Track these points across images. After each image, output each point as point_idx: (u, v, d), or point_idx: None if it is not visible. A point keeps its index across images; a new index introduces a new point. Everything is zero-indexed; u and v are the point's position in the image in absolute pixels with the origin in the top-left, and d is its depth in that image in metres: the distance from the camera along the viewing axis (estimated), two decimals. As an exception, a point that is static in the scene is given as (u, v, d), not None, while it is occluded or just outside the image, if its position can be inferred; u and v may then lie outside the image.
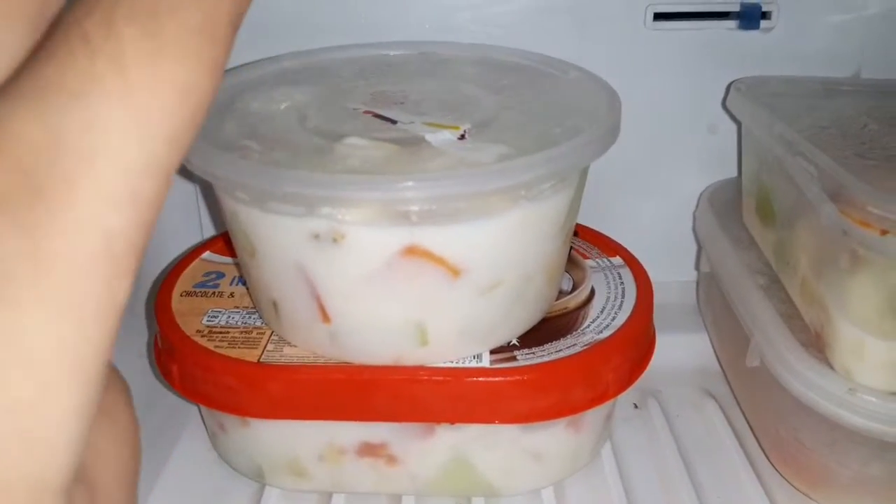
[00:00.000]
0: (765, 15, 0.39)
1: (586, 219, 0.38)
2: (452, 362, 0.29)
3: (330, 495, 0.32)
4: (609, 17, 0.39)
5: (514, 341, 0.30)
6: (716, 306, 0.39)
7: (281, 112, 0.30)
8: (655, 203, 0.43)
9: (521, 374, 0.28)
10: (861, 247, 0.26)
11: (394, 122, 0.29)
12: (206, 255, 0.37)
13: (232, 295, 0.34)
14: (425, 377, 0.28)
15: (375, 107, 0.31)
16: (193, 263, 0.36)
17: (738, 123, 0.39)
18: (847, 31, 0.39)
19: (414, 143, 0.27)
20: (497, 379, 0.28)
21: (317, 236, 0.25)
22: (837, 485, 0.30)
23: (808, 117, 0.33)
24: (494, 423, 0.29)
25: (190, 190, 0.42)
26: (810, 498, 0.32)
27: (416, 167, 0.26)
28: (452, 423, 0.29)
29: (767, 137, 0.33)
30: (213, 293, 0.34)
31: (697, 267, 0.43)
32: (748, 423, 0.36)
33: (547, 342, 0.30)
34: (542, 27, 0.39)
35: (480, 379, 0.28)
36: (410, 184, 0.24)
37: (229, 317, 0.32)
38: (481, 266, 0.27)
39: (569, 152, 0.26)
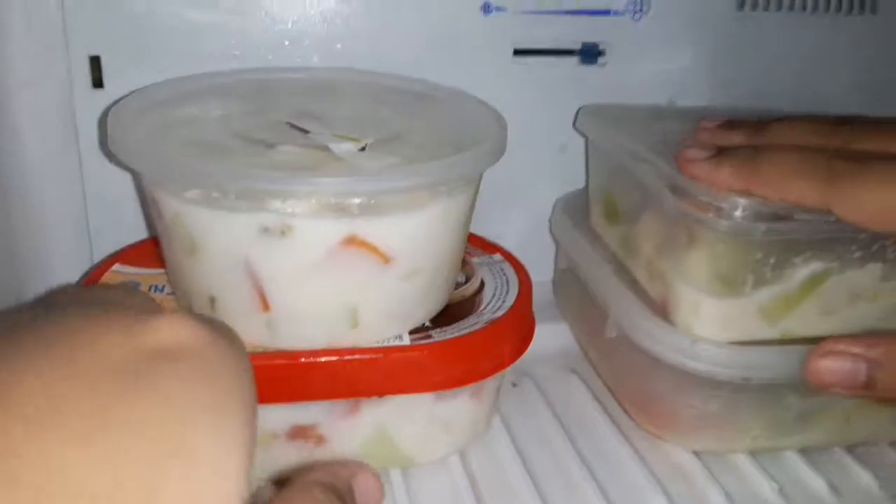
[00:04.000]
0: (601, 52, 0.47)
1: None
2: (378, 342, 0.33)
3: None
4: (477, 51, 0.46)
5: (427, 323, 0.35)
6: (573, 296, 0.47)
7: (211, 119, 0.33)
8: (517, 213, 0.50)
9: (436, 349, 0.33)
10: (695, 225, 0.33)
11: (306, 132, 0.33)
12: (116, 267, 0.38)
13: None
14: (358, 356, 0.32)
15: (295, 119, 0.35)
16: (105, 276, 0.37)
17: (586, 139, 0.47)
18: (660, 72, 0.49)
19: (323, 150, 0.31)
20: (416, 354, 0.33)
21: (266, 230, 0.29)
22: (684, 424, 0.38)
23: (643, 134, 0.41)
24: (415, 392, 0.33)
25: (80, 209, 0.43)
26: (663, 439, 0.39)
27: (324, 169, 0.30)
28: (381, 395, 0.33)
29: (614, 150, 0.41)
30: (134, 299, 0.35)
31: (556, 264, 0.50)
32: (608, 388, 0.43)
33: (454, 322, 0.35)
34: (427, 60, 0.44)
35: (404, 354, 0.33)
36: (355, 178, 0.28)
37: (156, 318, 0.34)
38: (407, 254, 0.31)
39: (475, 157, 0.31)
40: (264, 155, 0.30)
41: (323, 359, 0.32)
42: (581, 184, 0.49)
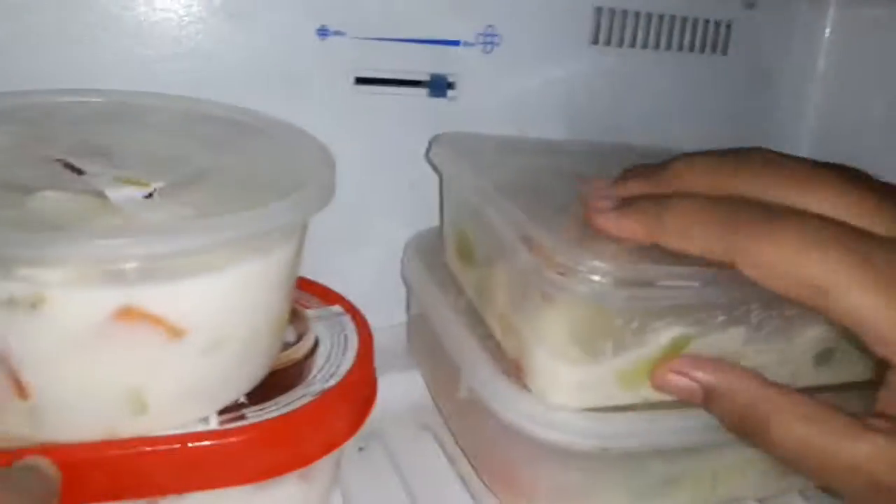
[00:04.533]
0: (450, 85, 0.43)
1: (304, 270, 0.38)
2: (176, 429, 0.27)
3: None
4: (314, 79, 0.41)
5: (243, 399, 0.29)
6: (426, 345, 0.42)
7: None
8: (366, 254, 0.45)
9: (252, 433, 0.28)
10: (550, 287, 0.30)
11: (81, 172, 0.27)
12: None
13: None
14: (148, 448, 0.26)
15: (72, 156, 0.28)
16: None
17: (440, 174, 0.43)
18: (511, 104, 0.46)
19: (96, 197, 0.25)
20: (226, 441, 0.27)
21: (11, 301, 0.22)
22: (542, 494, 0.34)
23: (497, 170, 0.37)
24: (228, 486, 0.28)
25: None
26: (520, 511, 0.35)
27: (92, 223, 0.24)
28: (181, 493, 0.27)
29: (467, 189, 0.37)
30: None
31: (408, 310, 0.46)
32: (461, 448, 0.39)
33: (276, 395, 0.30)
34: (256, 87, 0.39)
35: (208, 443, 0.27)
36: (125, 240, 0.22)
37: None
38: (205, 324, 0.26)
39: (289, 206, 0.26)
40: (18, 204, 0.24)
41: (102, 453, 0.26)
42: (433, 223, 0.45)
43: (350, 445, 0.38)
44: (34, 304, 0.22)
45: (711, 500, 0.37)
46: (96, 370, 0.24)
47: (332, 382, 0.31)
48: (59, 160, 0.27)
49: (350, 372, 0.32)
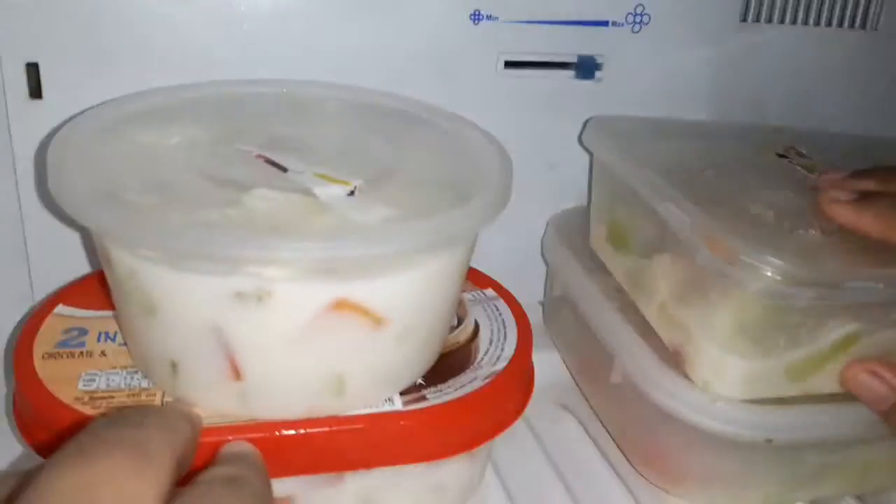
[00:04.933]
0: (598, 66, 0.43)
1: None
2: (366, 409, 0.29)
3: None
4: (465, 63, 0.41)
5: (420, 380, 0.31)
6: (568, 327, 0.43)
7: (171, 148, 0.29)
8: (506, 234, 0.46)
9: (434, 413, 0.29)
10: (728, 282, 0.30)
11: (285, 169, 0.29)
12: (60, 309, 0.33)
13: (104, 353, 0.31)
14: (345, 427, 0.28)
15: (268, 150, 0.30)
16: (48, 320, 0.32)
17: (591, 155, 0.43)
18: (658, 84, 0.45)
19: (306, 194, 0.27)
20: (412, 421, 0.29)
21: (240, 295, 0.24)
22: (694, 479, 0.35)
23: (656, 157, 0.37)
24: (409, 463, 0.30)
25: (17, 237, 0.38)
26: (669, 493, 0.36)
27: (308, 222, 0.25)
28: (368, 468, 0.29)
29: (627, 176, 0.37)
30: (81, 353, 0.30)
31: (546, 290, 0.47)
32: (607, 431, 0.40)
33: (450, 378, 0.31)
34: (409, 72, 0.40)
35: (397, 423, 0.29)
36: (348, 241, 0.24)
37: (108, 379, 0.29)
38: (402, 314, 0.27)
39: (481, 209, 0.27)
40: (237, 203, 0.26)
41: (303, 430, 0.28)
42: (571, 203, 0.46)
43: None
44: (260, 298, 0.24)
45: (857, 489, 0.37)
46: (307, 356, 0.26)
47: (501, 366, 0.32)
48: (259, 156, 0.29)
49: (515, 356, 0.33)
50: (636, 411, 0.36)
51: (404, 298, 0.27)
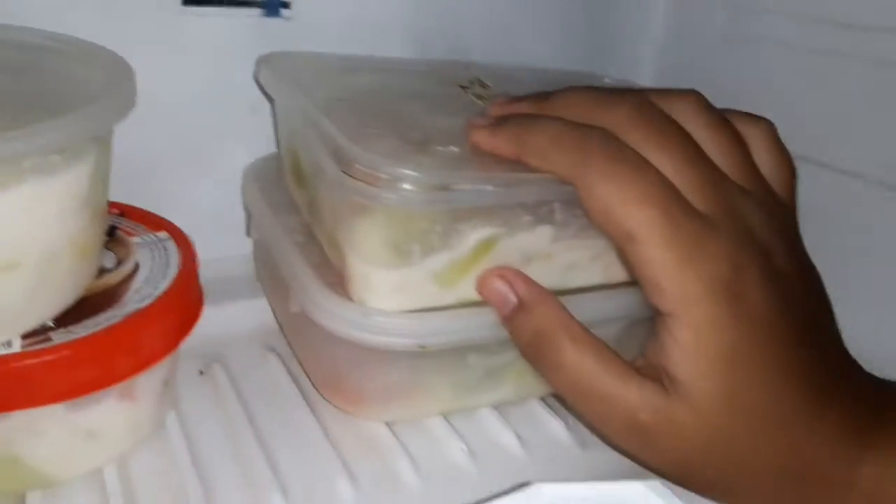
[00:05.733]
0: (285, 4, 0.43)
1: (142, 202, 0.38)
2: (-24, 353, 0.27)
3: None
4: (139, 2, 0.39)
5: (49, 323, 0.29)
6: (266, 268, 0.43)
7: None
8: (208, 183, 0.45)
9: (55, 353, 0.28)
10: (356, 195, 0.31)
11: None
12: None
13: None
14: (-56, 374, 0.26)
15: None
16: None
17: (269, 96, 0.43)
18: (351, 23, 0.45)
19: None
20: (29, 361, 0.27)
21: None
22: (371, 397, 0.36)
23: (326, 90, 0.38)
24: (41, 405, 0.28)
25: None
26: (354, 415, 0.37)
27: None
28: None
29: (291, 108, 0.37)
30: None
31: (249, 235, 0.46)
32: (301, 366, 0.40)
33: (86, 319, 0.30)
34: (70, 11, 0.37)
35: (12, 365, 0.27)
36: None
37: None
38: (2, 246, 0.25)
39: (64, 124, 0.26)
40: None
41: None
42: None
43: (188, 369, 0.39)
44: None
45: (537, 391, 0.39)
46: None
47: (147, 302, 0.31)
48: None
49: (166, 292, 0.32)
50: (313, 338, 0.36)
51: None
